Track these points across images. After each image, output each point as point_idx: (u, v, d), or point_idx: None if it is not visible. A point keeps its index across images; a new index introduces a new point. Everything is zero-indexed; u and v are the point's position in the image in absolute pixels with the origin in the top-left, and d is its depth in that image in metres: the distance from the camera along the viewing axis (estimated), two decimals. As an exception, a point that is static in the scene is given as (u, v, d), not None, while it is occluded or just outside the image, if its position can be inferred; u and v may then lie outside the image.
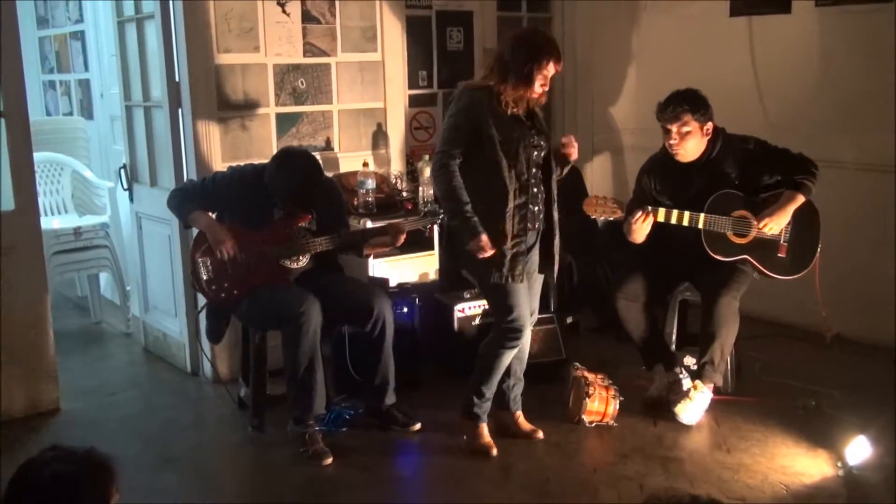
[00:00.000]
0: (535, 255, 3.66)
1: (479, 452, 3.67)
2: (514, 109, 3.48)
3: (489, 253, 3.44)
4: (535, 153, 3.53)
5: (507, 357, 3.65)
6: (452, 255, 3.69)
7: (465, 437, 3.74)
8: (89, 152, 6.21)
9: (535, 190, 3.55)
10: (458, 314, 4.44)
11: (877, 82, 4.73)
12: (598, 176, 5.79)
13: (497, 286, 3.53)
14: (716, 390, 4.02)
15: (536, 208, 3.56)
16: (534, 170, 3.53)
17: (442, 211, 3.70)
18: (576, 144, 3.60)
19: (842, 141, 4.84)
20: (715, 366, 3.92)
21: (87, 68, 6.21)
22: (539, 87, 3.46)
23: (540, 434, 3.84)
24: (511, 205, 3.46)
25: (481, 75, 3.68)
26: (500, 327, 3.60)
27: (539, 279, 3.76)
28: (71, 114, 6.50)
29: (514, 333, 3.58)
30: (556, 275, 3.76)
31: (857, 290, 4.81)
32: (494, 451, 3.67)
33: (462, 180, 3.47)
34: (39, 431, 4.00)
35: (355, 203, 4.54)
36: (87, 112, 6.33)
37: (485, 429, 3.72)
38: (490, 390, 3.70)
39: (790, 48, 5.10)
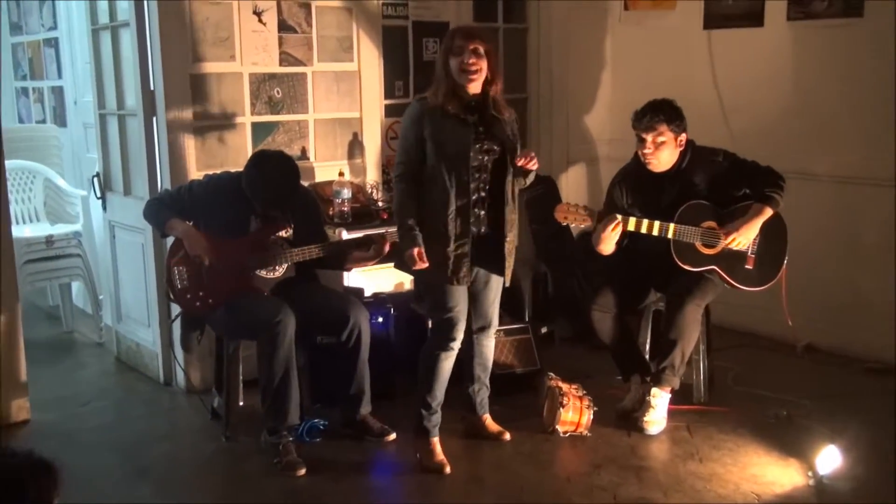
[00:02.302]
0: (491, 260, 3.63)
1: (431, 471, 3.63)
2: (456, 110, 3.47)
3: (422, 266, 3.47)
4: (482, 156, 3.51)
5: (447, 363, 3.63)
6: (398, 258, 3.68)
7: (417, 454, 3.70)
8: (62, 160, 6.16)
9: (483, 194, 3.53)
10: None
11: (847, 95, 4.80)
12: (572, 186, 5.81)
13: (436, 286, 3.55)
14: (681, 399, 4.06)
15: (482, 212, 3.55)
16: (478, 174, 3.51)
17: None
18: (532, 156, 3.51)
19: (813, 153, 4.90)
20: (675, 370, 3.96)
21: (60, 75, 6.16)
22: (457, 64, 3.44)
23: (507, 436, 3.88)
24: (452, 207, 3.48)
25: None
26: (435, 328, 3.63)
27: (495, 286, 3.74)
28: (44, 121, 6.44)
29: (449, 333, 3.58)
30: (508, 278, 3.70)
31: (828, 301, 4.87)
32: (448, 469, 3.61)
33: (416, 189, 3.53)
34: (8, 443, 3.95)
35: (331, 213, 4.53)
36: (61, 119, 6.28)
37: (437, 445, 3.68)
38: (436, 401, 3.67)
39: (763, 61, 5.16)
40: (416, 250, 3.47)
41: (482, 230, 3.58)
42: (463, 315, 3.61)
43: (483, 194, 3.54)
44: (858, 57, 4.74)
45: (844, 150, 4.84)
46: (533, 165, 3.52)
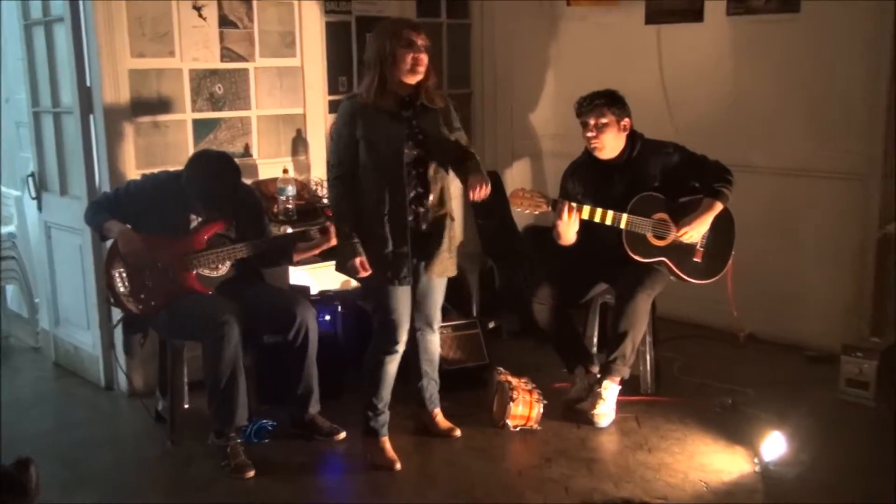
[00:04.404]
0: (432, 257, 3.57)
1: (382, 468, 3.61)
2: (390, 106, 3.41)
3: (365, 274, 3.44)
4: (417, 151, 3.46)
5: (391, 365, 3.60)
6: (340, 263, 3.60)
7: (367, 454, 3.67)
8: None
9: (421, 189, 3.50)
10: (380, 321, 4.41)
11: (785, 89, 4.89)
12: (517, 181, 5.80)
13: (377, 287, 3.51)
14: (629, 390, 4.11)
15: (422, 209, 3.51)
16: (414, 170, 3.47)
17: None
18: (480, 187, 3.43)
19: (753, 146, 4.99)
20: (626, 360, 4.00)
21: (-10, 72, 5.97)
22: (410, 58, 3.37)
23: (457, 432, 3.87)
24: (387, 206, 3.43)
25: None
26: (378, 330, 3.58)
27: (439, 283, 3.70)
28: (-28, 120, 6.24)
29: (392, 336, 3.54)
30: (449, 270, 3.63)
31: (769, 291, 4.96)
32: (398, 466, 3.60)
33: (352, 192, 3.46)
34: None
35: (275, 210, 4.48)
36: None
37: (387, 443, 3.66)
38: (382, 402, 3.64)
39: (703, 56, 5.23)
40: (357, 260, 3.42)
41: (423, 227, 3.53)
42: (406, 317, 3.57)
43: (421, 190, 3.50)
44: (796, 51, 4.83)
45: (783, 143, 4.94)
46: (484, 195, 3.45)
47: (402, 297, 3.53)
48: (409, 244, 3.47)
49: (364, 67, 3.53)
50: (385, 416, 3.66)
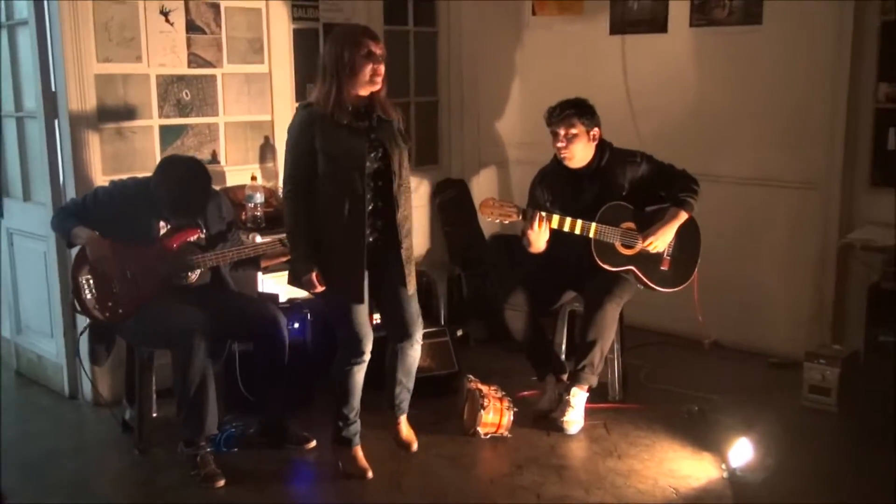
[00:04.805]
0: (391, 268, 3.53)
1: (354, 476, 3.59)
2: (347, 119, 3.34)
3: (319, 289, 3.40)
4: (376, 164, 3.42)
5: (358, 374, 3.57)
6: (291, 273, 3.56)
7: (339, 462, 3.65)
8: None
9: (380, 203, 3.45)
10: (349, 329, 4.39)
11: (747, 99, 4.98)
12: (484, 189, 5.84)
13: (337, 303, 3.47)
14: (597, 397, 4.15)
15: (381, 221, 3.47)
16: (373, 182, 3.41)
17: None
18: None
19: (716, 155, 5.07)
20: (594, 368, 4.03)
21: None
22: (369, 70, 3.32)
23: (414, 447, 3.81)
24: (345, 220, 3.36)
25: (311, 93, 3.49)
26: (343, 344, 3.54)
27: (408, 293, 3.61)
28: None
29: (357, 350, 3.51)
30: (411, 286, 3.58)
31: (731, 299, 5.03)
32: (370, 475, 3.58)
33: (310, 206, 3.39)
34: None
35: (243, 217, 4.45)
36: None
37: (359, 451, 3.64)
38: (353, 412, 3.61)
39: (666, 66, 5.31)
40: (312, 275, 3.38)
41: (381, 240, 3.49)
42: (369, 327, 3.53)
43: (380, 203, 3.46)
44: (757, 63, 4.92)
45: (745, 153, 5.02)
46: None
47: (363, 310, 3.49)
48: (367, 260, 3.42)
49: (318, 74, 3.43)
50: (356, 426, 3.64)
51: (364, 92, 3.38)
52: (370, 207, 3.43)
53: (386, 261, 3.52)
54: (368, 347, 3.55)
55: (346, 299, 3.44)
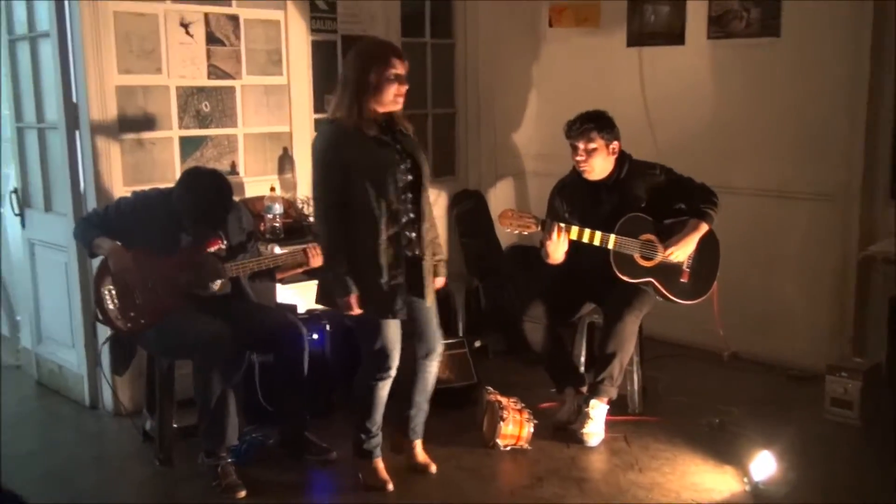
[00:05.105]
0: (425, 284, 3.47)
1: (375, 489, 3.57)
2: (374, 132, 3.33)
3: (357, 313, 3.35)
4: (406, 176, 3.39)
5: (383, 389, 3.53)
6: (322, 293, 3.53)
7: (359, 474, 3.63)
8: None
9: (412, 215, 3.42)
10: (368, 340, 4.39)
11: (766, 111, 4.98)
12: (501, 201, 5.85)
13: (369, 321, 3.40)
14: (616, 410, 4.14)
15: (413, 234, 3.43)
16: (404, 195, 3.38)
17: None
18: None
19: (734, 167, 5.06)
20: (613, 381, 4.02)
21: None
22: (394, 90, 3.33)
23: (433, 468, 3.74)
24: (383, 236, 3.32)
25: (333, 106, 3.42)
26: (369, 360, 3.48)
27: (433, 308, 3.59)
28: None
29: (384, 365, 3.46)
30: (432, 298, 3.53)
31: (750, 311, 5.01)
32: (391, 487, 3.56)
33: (343, 224, 3.33)
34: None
35: (262, 228, 4.47)
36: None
37: (380, 464, 3.61)
38: (375, 425, 3.58)
39: (684, 78, 5.31)
40: (352, 298, 3.32)
41: (415, 253, 3.44)
42: (398, 344, 3.49)
43: (412, 216, 3.42)
44: (776, 75, 4.91)
45: (763, 165, 5.01)
46: None
47: (395, 327, 3.46)
48: (405, 273, 3.40)
49: (339, 87, 3.40)
50: (378, 439, 3.61)
51: (384, 109, 3.39)
52: (403, 220, 3.40)
53: (417, 275, 3.46)
54: (396, 363, 3.51)
55: (381, 316, 3.40)
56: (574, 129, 4.03)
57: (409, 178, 3.41)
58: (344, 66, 3.45)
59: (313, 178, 3.42)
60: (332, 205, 3.34)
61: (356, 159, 3.30)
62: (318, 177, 3.39)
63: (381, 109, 3.37)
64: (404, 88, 3.37)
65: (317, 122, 5.03)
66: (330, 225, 3.35)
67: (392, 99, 3.35)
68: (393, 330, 3.46)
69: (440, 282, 3.63)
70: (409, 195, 3.42)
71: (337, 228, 3.34)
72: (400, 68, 3.35)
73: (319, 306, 4.52)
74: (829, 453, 3.92)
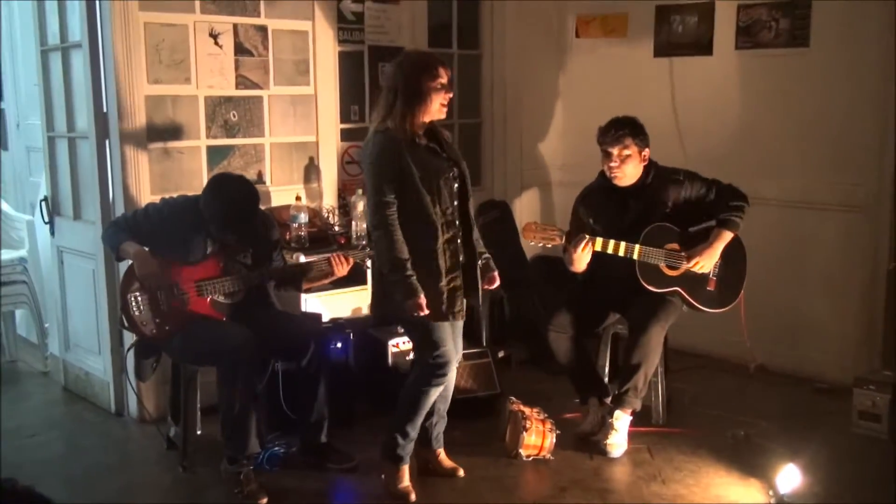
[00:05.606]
0: (472, 292, 3.56)
1: (397, 497, 3.56)
2: (423, 139, 3.40)
3: (425, 313, 3.36)
4: (454, 183, 3.46)
5: (434, 394, 3.55)
6: (380, 299, 3.58)
7: (383, 476, 3.62)
8: (3, 184, 5.99)
9: (458, 221, 3.49)
10: (391, 349, 4.40)
11: (795, 121, 4.94)
12: (526, 211, 5.85)
13: (428, 323, 3.43)
14: (640, 421, 4.11)
15: (460, 240, 3.50)
16: (453, 202, 3.46)
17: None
18: (494, 278, 3.66)
19: (762, 178, 5.01)
20: (638, 392, 3.99)
21: (1, 97, 6.00)
22: (440, 99, 3.39)
23: (461, 472, 3.77)
24: (441, 241, 3.38)
25: (379, 116, 3.45)
26: (427, 364, 3.50)
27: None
28: (-18, 145, 6.27)
29: (441, 370, 3.48)
30: (480, 300, 3.62)
31: (777, 323, 4.97)
32: (413, 497, 3.55)
33: (399, 227, 3.36)
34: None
35: (288, 237, 4.49)
36: (2, 143, 6.11)
37: (406, 472, 3.60)
38: (415, 430, 3.58)
39: (712, 88, 5.28)
40: (422, 299, 3.33)
41: (466, 256, 3.53)
42: (452, 347, 3.52)
43: (458, 222, 3.49)
44: (804, 85, 4.88)
45: (792, 175, 4.97)
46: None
47: (451, 331, 3.51)
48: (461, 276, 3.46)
49: (386, 97, 3.43)
50: (412, 445, 3.61)
51: (430, 118, 3.44)
52: (457, 224, 3.47)
53: (466, 279, 3.52)
54: (454, 367, 3.57)
55: (443, 318, 3.42)
56: (609, 136, 4.01)
57: (456, 185, 3.48)
58: (391, 78, 3.48)
59: (369, 187, 3.43)
60: (390, 213, 3.36)
61: (412, 167, 3.35)
62: (374, 185, 3.40)
63: (427, 119, 3.42)
64: (449, 97, 3.44)
65: (343, 131, 5.07)
66: (391, 233, 3.36)
67: (438, 108, 3.42)
68: (450, 334, 3.51)
69: (495, 278, 3.67)
70: (456, 202, 3.49)
71: (397, 235, 3.36)
72: (445, 77, 3.41)
73: (343, 315, 4.58)
74: (857, 467, 3.87)
